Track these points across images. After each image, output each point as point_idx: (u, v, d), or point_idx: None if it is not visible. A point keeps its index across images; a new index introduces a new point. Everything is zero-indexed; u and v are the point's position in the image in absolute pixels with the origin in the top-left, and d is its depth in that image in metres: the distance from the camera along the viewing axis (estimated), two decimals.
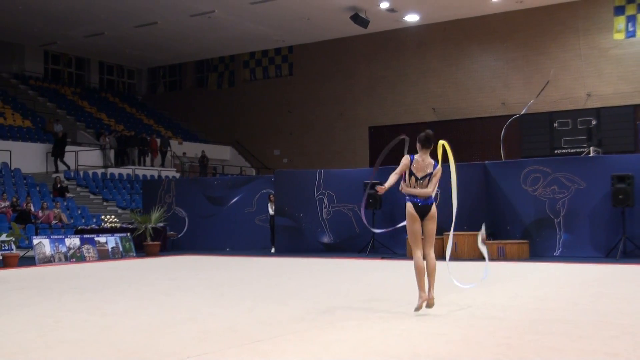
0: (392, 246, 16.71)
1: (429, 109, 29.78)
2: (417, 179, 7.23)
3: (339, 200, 18.14)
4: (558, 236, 15.39)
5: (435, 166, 7.31)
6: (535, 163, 16.03)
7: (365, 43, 31.04)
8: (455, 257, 15.17)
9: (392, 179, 7.24)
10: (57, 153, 25.42)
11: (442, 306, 7.72)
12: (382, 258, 15.61)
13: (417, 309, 7.11)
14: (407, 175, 7.27)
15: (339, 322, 6.78)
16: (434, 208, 7.33)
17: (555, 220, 15.44)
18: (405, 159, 7.28)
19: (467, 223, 16.09)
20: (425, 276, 7.16)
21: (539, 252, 15.35)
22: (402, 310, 7.43)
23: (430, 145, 7.36)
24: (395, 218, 17.20)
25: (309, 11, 27.72)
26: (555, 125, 26.86)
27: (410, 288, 9.74)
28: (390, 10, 27.47)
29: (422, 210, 7.24)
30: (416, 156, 7.29)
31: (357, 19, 27.31)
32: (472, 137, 28.59)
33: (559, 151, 26.37)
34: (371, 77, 31.29)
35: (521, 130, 27.66)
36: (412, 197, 7.25)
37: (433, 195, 7.33)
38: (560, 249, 15.31)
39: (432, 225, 7.30)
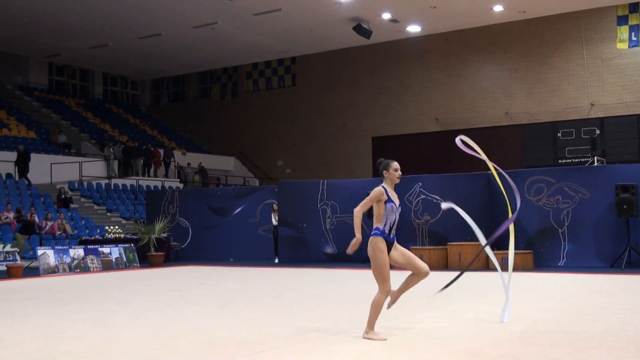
0: None
1: (431, 119, 29.81)
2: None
3: (342, 211, 18.11)
4: (562, 246, 15.35)
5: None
6: (539, 173, 16.01)
7: (368, 54, 31.11)
8: (459, 267, 15.13)
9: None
10: (21, 169, 24.47)
11: (447, 317, 7.71)
12: None
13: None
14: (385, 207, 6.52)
15: (342, 332, 6.77)
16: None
17: (560, 230, 15.40)
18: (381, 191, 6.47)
19: (471, 234, 16.04)
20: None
21: (543, 262, 15.31)
22: (406, 321, 7.41)
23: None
24: (399, 227, 17.17)
25: (312, 22, 27.81)
26: (559, 135, 26.85)
27: (413, 298, 9.72)
28: (393, 21, 27.55)
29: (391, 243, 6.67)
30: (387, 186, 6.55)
31: (360, 29, 27.38)
32: None
33: (563, 161, 26.35)
34: (374, 87, 31.33)
35: (524, 141, 27.67)
36: (385, 233, 6.56)
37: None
38: (565, 259, 15.27)
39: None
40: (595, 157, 22.73)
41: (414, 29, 28.87)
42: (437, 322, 7.26)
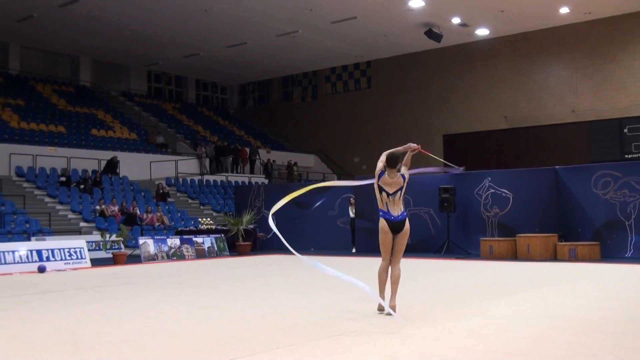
0: (466, 247, 16.45)
1: (500, 117, 29.17)
2: (388, 194, 6.84)
3: (415, 204, 17.98)
4: (629, 238, 14.76)
5: (403, 178, 6.89)
6: (605, 168, 15.44)
7: (439, 56, 30.71)
8: (527, 258, 14.80)
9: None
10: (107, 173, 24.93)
11: (513, 304, 7.56)
12: (456, 258, 15.37)
13: (380, 309, 6.92)
14: (377, 190, 6.89)
15: (417, 317, 6.73)
16: (406, 224, 6.90)
17: (627, 222, 14.81)
18: (379, 168, 6.91)
19: (539, 225, 15.68)
20: (387, 285, 6.92)
21: (610, 253, 14.76)
22: (475, 308, 7.31)
23: (394, 165, 6.91)
24: (469, 220, 16.93)
25: (385, 28, 27.65)
26: (625, 130, 25.81)
27: (482, 285, 9.58)
28: (462, 25, 27.08)
29: (395, 226, 6.84)
30: (385, 173, 6.89)
31: (431, 34, 27.06)
32: (542, 143, 27.84)
33: (630, 156, 25.33)
34: (444, 88, 30.92)
35: (590, 137, 26.74)
36: (386, 214, 6.85)
37: (403, 208, 6.87)
38: (632, 251, 14.67)
39: (403, 240, 6.91)
40: None
41: (482, 32, 28.32)
42: (504, 309, 7.13)
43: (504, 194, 16.35)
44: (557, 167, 16.36)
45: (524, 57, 28.61)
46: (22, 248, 14.17)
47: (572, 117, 27.24)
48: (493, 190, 16.56)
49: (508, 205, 16.23)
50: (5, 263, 13.60)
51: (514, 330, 5.92)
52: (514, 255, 15.25)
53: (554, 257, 14.76)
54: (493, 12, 25.60)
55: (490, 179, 16.68)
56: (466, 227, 16.92)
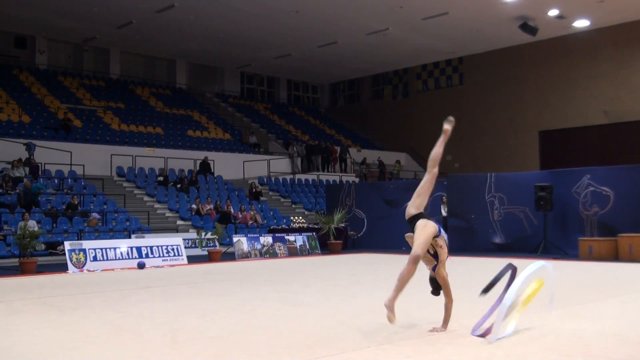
0: (564, 247, 15.87)
1: (600, 112, 27.95)
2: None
3: (510, 203, 17.52)
4: None
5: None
6: None
7: (534, 50, 29.76)
8: (630, 258, 14.11)
9: None
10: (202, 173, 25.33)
11: (616, 306, 7.23)
12: (554, 259, 14.85)
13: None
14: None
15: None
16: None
17: None
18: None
19: None
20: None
21: None
22: (574, 310, 7.03)
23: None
24: (567, 219, 16.34)
25: (478, 23, 27.07)
26: None
27: (583, 287, 9.20)
28: (560, 17, 26.12)
29: None
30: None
31: (526, 27, 26.27)
32: None
33: None
34: (540, 83, 29.93)
35: None
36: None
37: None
38: None
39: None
40: None
41: (581, 23, 27.19)
42: (606, 312, 6.81)
43: (604, 192, 15.67)
44: None
45: (625, 48, 27.30)
46: (123, 245, 14.81)
47: None
48: (592, 188, 15.90)
49: (609, 203, 15.54)
50: (107, 259, 14.26)
51: (618, 334, 5.65)
52: (614, 256, 14.59)
53: None
54: (592, 2, 24.56)
55: (589, 176, 16.03)
56: (564, 227, 16.33)
